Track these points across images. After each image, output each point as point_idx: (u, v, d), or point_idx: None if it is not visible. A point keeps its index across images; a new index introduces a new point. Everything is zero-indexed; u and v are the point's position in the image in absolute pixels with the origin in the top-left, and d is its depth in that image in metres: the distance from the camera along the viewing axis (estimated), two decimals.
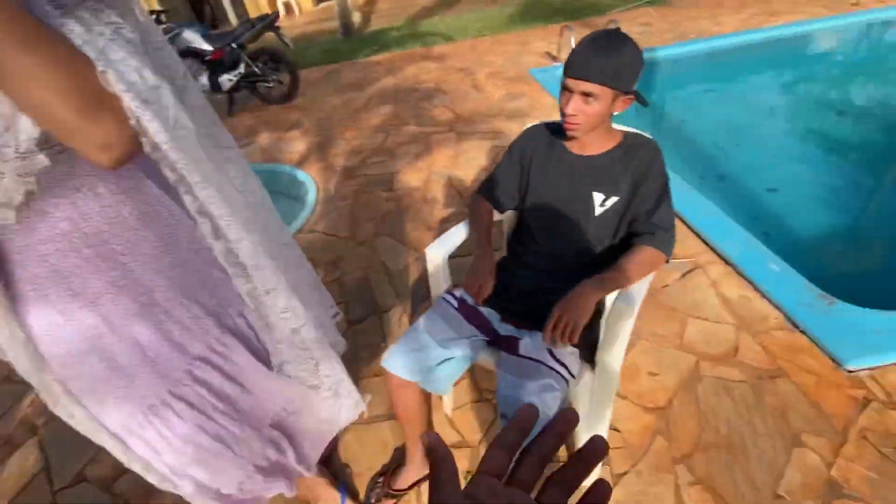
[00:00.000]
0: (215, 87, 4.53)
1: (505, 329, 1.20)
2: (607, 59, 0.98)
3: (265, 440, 0.92)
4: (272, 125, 4.36)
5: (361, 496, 1.38)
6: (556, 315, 1.02)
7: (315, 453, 1.07)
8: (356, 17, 8.93)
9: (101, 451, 1.69)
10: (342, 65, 6.02)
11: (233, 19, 9.57)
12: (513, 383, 1.04)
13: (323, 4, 11.60)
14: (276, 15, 4.49)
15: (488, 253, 1.26)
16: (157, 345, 0.73)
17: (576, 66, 1.01)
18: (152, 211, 0.69)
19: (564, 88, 1.05)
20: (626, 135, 1.17)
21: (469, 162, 3.12)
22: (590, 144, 1.16)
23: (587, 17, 6.35)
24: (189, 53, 4.39)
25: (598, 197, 1.15)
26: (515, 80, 4.39)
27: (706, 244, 2.10)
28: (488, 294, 1.21)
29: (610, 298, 1.19)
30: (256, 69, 4.58)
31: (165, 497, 1.42)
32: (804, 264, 1.88)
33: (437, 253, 1.26)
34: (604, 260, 1.15)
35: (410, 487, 1.36)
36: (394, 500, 1.34)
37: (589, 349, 1.16)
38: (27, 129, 0.50)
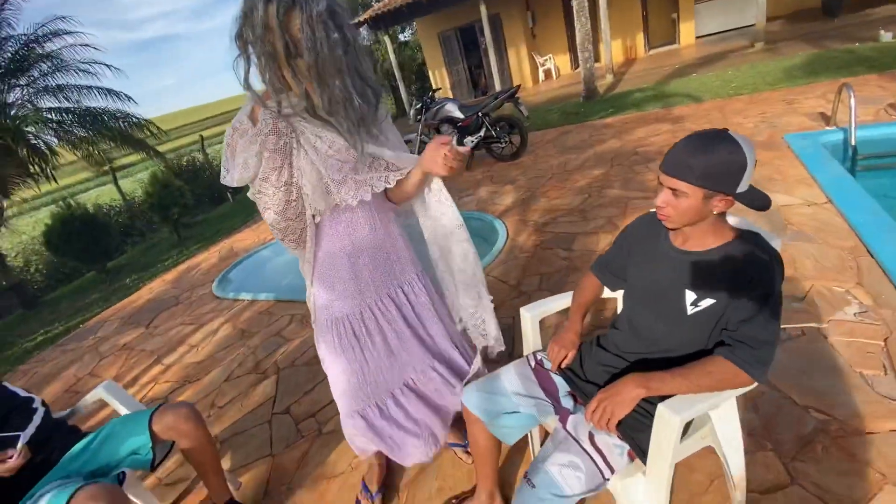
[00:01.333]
0: (460, 145, 5.56)
1: (566, 402, 1.23)
2: (695, 158, 0.97)
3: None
4: (494, 179, 5.04)
5: None
6: (595, 400, 1.03)
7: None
8: (608, 80, 9.24)
9: (304, 395, 2.41)
10: (576, 126, 6.38)
11: (498, 87, 11.31)
12: (546, 452, 1.09)
13: (579, 69, 12.38)
14: (516, 88, 5.22)
15: (575, 325, 1.32)
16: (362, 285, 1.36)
17: (665, 161, 1.03)
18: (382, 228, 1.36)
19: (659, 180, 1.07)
20: (742, 235, 1.07)
21: None
22: (693, 239, 1.10)
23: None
24: (447, 120, 5.57)
25: (689, 296, 1.08)
26: (762, 147, 3.80)
27: None
28: (565, 364, 1.27)
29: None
30: (493, 133, 5.42)
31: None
32: None
33: (528, 315, 1.40)
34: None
35: None
36: None
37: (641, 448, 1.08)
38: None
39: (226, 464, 2.09)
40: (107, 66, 6.31)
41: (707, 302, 1.05)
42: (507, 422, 1.27)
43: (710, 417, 1.19)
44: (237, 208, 8.34)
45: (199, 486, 2.00)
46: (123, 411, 1.68)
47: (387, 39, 11.43)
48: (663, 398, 1.01)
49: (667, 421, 0.94)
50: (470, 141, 5.46)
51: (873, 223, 2.38)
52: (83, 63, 6.17)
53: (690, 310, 1.08)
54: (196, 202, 9.75)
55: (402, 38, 16.95)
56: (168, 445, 1.55)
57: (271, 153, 1.11)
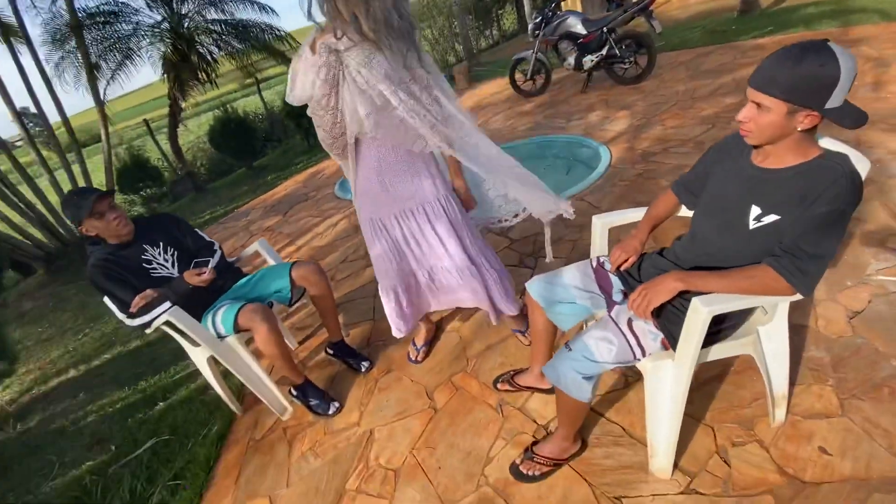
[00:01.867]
0: (579, 66, 5.25)
1: (617, 297, 1.39)
2: (782, 71, 0.95)
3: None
4: (609, 104, 4.76)
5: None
6: (638, 289, 1.18)
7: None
8: None
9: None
10: (719, 47, 5.56)
11: None
12: (588, 329, 1.29)
13: None
14: (650, 0, 4.65)
15: (641, 234, 1.42)
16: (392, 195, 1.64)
17: (754, 74, 1.03)
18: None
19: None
20: (825, 154, 1.06)
21: None
22: (773, 157, 1.11)
23: None
24: (567, 36, 5.23)
25: (754, 210, 1.12)
26: None
27: None
28: (624, 267, 1.41)
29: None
30: (617, 52, 4.98)
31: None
32: None
33: (599, 222, 1.53)
34: None
35: (525, 388, 1.77)
36: (511, 388, 1.80)
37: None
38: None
39: (341, 320, 2.65)
40: None
41: (771, 218, 1.09)
42: (563, 309, 1.48)
43: (757, 331, 1.27)
44: None
45: (319, 333, 2.59)
46: (271, 262, 2.23)
47: None
48: (669, 329, 1.12)
49: (697, 311, 1.06)
50: (590, 61, 5.12)
51: None
52: None
53: (753, 224, 1.13)
54: None
55: None
56: (301, 290, 2.06)
57: (322, 81, 1.36)
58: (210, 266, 1.90)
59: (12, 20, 5.88)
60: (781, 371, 1.30)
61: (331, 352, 2.26)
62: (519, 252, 2.74)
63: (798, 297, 1.08)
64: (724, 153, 1.26)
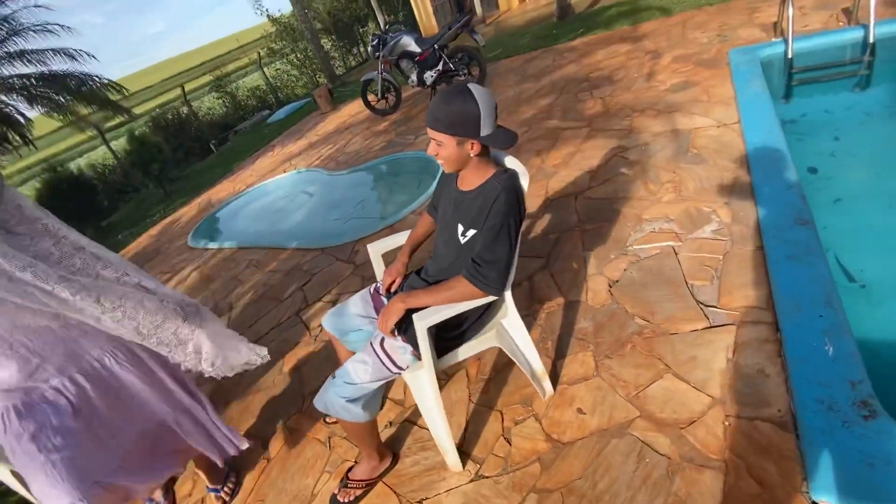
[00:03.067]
0: (421, 82, 5.51)
1: None
2: (440, 112, 1.17)
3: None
4: None
5: None
6: (381, 312, 1.30)
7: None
8: None
9: (248, 328, 2.75)
10: (542, 51, 6.17)
11: (480, 9, 10.69)
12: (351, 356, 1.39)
13: None
14: (468, 17, 5.06)
15: (402, 257, 1.56)
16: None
17: (426, 116, 1.22)
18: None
19: None
20: (496, 174, 1.26)
21: (580, 163, 3.05)
22: (466, 181, 1.33)
23: None
24: (406, 55, 5.47)
25: (460, 227, 1.31)
26: (703, 65, 3.74)
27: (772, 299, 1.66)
28: (393, 288, 1.53)
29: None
30: (451, 66, 5.32)
31: None
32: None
33: (372, 250, 1.64)
34: None
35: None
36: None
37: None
38: None
39: None
40: (60, 26, 6.25)
41: (471, 232, 1.28)
42: (353, 337, 1.57)
43: (501, 324, 1.45)
44: (220, 160, 8.51)
45: None
46: None
47: None
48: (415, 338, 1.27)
49: (417, 326, 1.20)
50: (430, 76, 5.40)
51: (762, 142, 2.47)
52: (38, 25, 6.13)
53: (462, 239, 1.31)
54: (184, 154, 9.93)
55: None
56: None
57: None
58: None
59: None
60: (531, 353, 1.50)
61: None
62: (361, 276, 2.81)
63: (493, 297, 1.26)
64: (447, 179, 1.45)
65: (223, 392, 2.31)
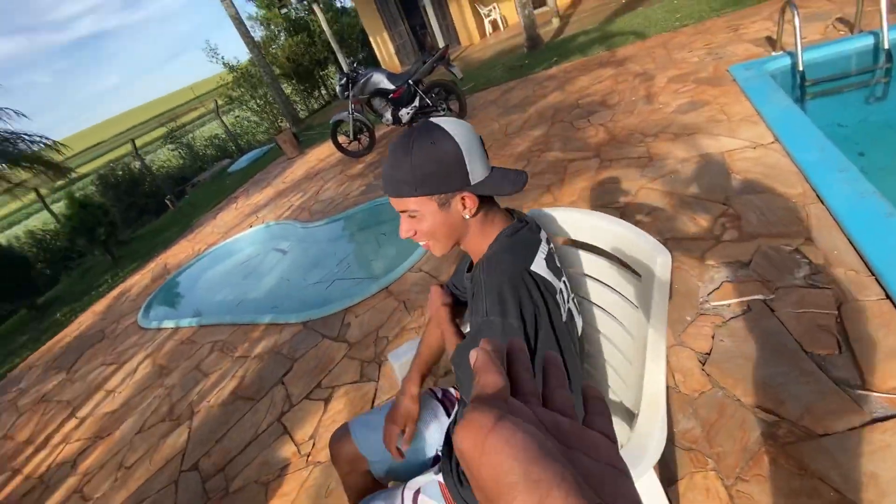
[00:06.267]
0: (397, 120, 5.13)
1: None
2: (402, 169, 0.76)
3: None
4: None
5: None
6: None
7: None
8: (554, 24, 8.71)
9: (216, 444, 2.12)
10: (519, 81, 5.95)
11: (441, 39, 10.61)
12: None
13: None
14: (444, 49, 4.75)
15: (411, 388, 1.03)
16: None
17: (383, 185, 0.81)
18: None
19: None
20: (490, 247, 0.83)
21: (601, 198, 2.65)
22: (477, 258, 0.87)
23: None
24: (378, 93, 5.09)
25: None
26: (706, 83, 3.49)
27: None
28: (406, 442, 1.00)
29: None
30: (429, 101, 4.97)
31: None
32: None
33: (396, 364, 1.11)
34: None
35: None
36: None
37: None
38: None
39: None
40: None
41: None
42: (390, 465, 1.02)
43: None
44: (177, 217, 7.78)
45: None
46: None
47: (316, 9, 10.52)
48: None
49: None
50: (406, 114, 5.02)
51: (821, 162, 2.13)
52: None
53: None
54: (137, 213, 9.13)
55: (339, 4, 15.80)
56: None
57: None
58: None
59: None
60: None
61: None
62: (359, 360, 2.24)
63: None
64: (458, 274, 1.02)
65: None
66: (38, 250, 7.38)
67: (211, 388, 2.55)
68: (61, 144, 6.33)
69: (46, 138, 6.21)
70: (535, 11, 8.61)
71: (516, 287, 0.72)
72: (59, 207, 8.18)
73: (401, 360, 1.12)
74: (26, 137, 5.89)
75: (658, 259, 0.79)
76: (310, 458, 1.82)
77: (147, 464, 2.20)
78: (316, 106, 13.78)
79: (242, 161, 9.84)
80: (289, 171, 6.93)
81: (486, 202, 0.81)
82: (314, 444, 1.87)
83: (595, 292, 0.99)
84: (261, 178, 7.48)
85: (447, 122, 0.77)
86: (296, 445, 1.91)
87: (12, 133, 5.82)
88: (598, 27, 6.97)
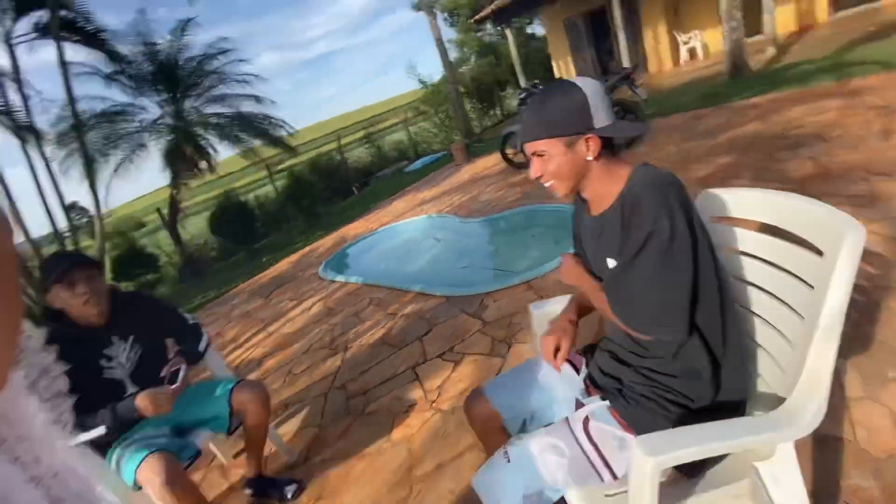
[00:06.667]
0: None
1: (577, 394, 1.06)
2: (537, 114, 0.89)
3: None
4: None
5: None
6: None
7: None
8: (768, 53, 7.71)
9: (361, 374, 2.48)
10: (713, 109, 5.44)
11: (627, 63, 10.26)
12: (536, 432, 0.95)
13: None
14: (629, 69, 4.67)
15: (569, 313, 1.11)
16: None
17: (520, 133, 0.94)
18: None
19: None
20: (629, 179, 0.88)
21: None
22: (596, 202, 0.96)
23: None
24: None
25: (611, 263, 0.91)
26: None
27: None
28: (560, 357, 1.05)
29: None
30: None
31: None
32: None
33: (536, 312, 1.21)
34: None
35: None
36: None
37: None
38: None
39: (286, 427, 2.27)
40: (254, 75, 7.56)
41: (613, 262, 0.91)
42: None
43: (756, 470, 0.87)
44: (360, 201, 9.12)
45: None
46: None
47: (508, 33, 11.24)
48: (643, 427, 0.78)
49: (640, 464, 0.69)
50: None
51: None
52: (240, 76, 7.49)
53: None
54: (331, 193, 10.97)
55: (529, 31, 16.55)
56: (242, 417, 1.69)
57: None
58: (175, 385, 1.50)
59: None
60: None
61: (249, 491, 1.83)
62: (491, 336, 2.38)
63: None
64: (576, 222, 1.10)
65: (322, 445, 2.00)
66: (260, 212, 9.45)
67: (364, 331, 2.98)
68: (291, 126, 8.14)
69: (289, 125, 8.07)
70: (748, 40, 7.74)
71: (681, 198, 0.80)
72: (278, 183, 10.35)
73: (541, 309, 1.21)
74: (273, 121, 7.73)
75: (849, 235, 0.73)
76: (434, 404, 2.02)
77: (308, 376, 2.69)
78: (489, 123, 14.63)
79: (418, 164, 11.02)
80: (456, 175, 7.54)
81: (609, 150, 0.90)
82: (439, 395, 2.07)
83: (755, 272, 0.95)
84: (431, 178, 8.29)
85: (578, 79, 0.89)
86: (424, 392, 2.13)
87: (266, 116, 7.72)
88: (826, 57, 5.96)
